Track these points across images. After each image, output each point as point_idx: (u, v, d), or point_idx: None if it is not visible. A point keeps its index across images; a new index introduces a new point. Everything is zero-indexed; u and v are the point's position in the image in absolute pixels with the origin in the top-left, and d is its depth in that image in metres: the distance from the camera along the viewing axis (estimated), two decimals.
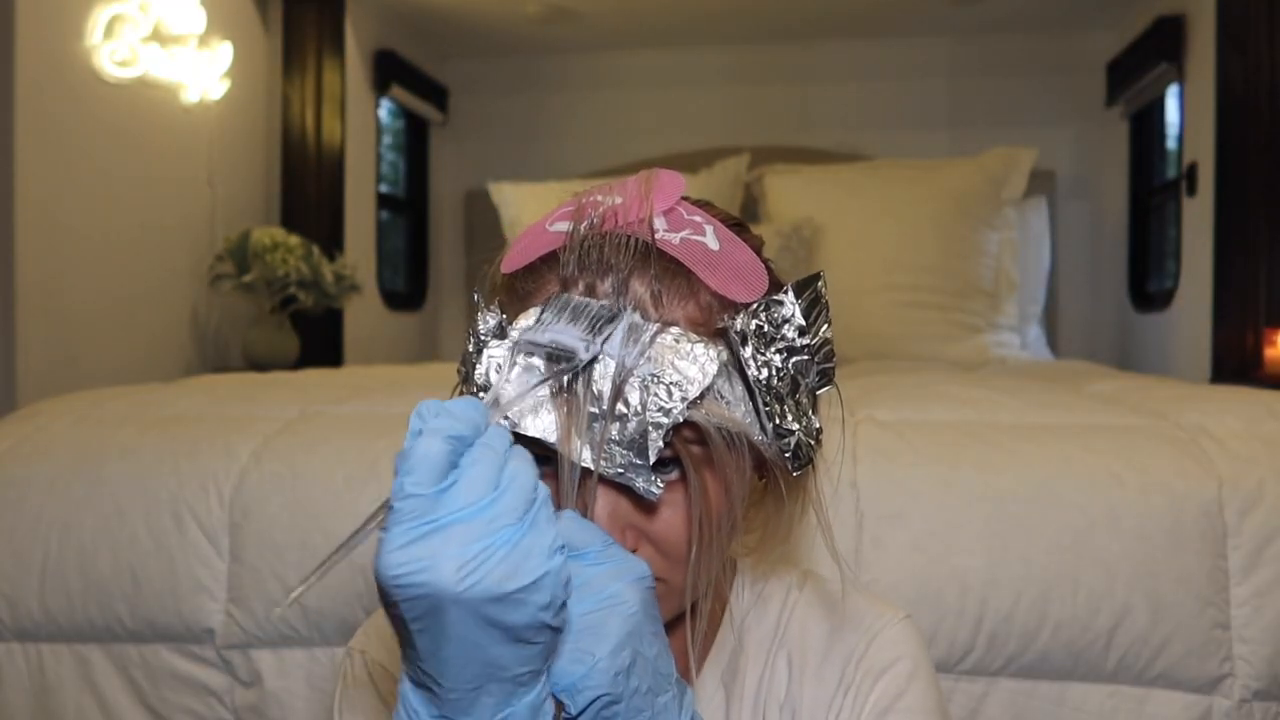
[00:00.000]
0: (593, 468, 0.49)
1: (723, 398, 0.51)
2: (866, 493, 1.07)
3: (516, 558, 0.40)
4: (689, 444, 0.51)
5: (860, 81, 3.59)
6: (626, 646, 0.45)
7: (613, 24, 3.45)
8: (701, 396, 0.50)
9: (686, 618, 0.56)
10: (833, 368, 0.56)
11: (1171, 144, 3.08)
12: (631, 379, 0.49)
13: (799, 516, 0.60)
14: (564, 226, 0.54)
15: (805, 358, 0.53)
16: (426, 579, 0.39)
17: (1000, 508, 1.06)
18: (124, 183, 2.39)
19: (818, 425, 0.55)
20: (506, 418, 0.50)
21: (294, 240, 2.57)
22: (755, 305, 0.53)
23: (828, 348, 0.55)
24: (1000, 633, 1.02)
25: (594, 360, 0.49)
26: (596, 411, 0.49)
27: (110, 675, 1.19)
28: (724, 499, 0.53)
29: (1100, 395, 1.43)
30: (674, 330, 0.50)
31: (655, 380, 0.49)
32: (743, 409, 0.52)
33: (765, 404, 0.52)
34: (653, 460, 0.49)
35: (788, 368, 0.53)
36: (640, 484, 0.49)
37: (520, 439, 0.52)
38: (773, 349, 0.52)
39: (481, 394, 0.51)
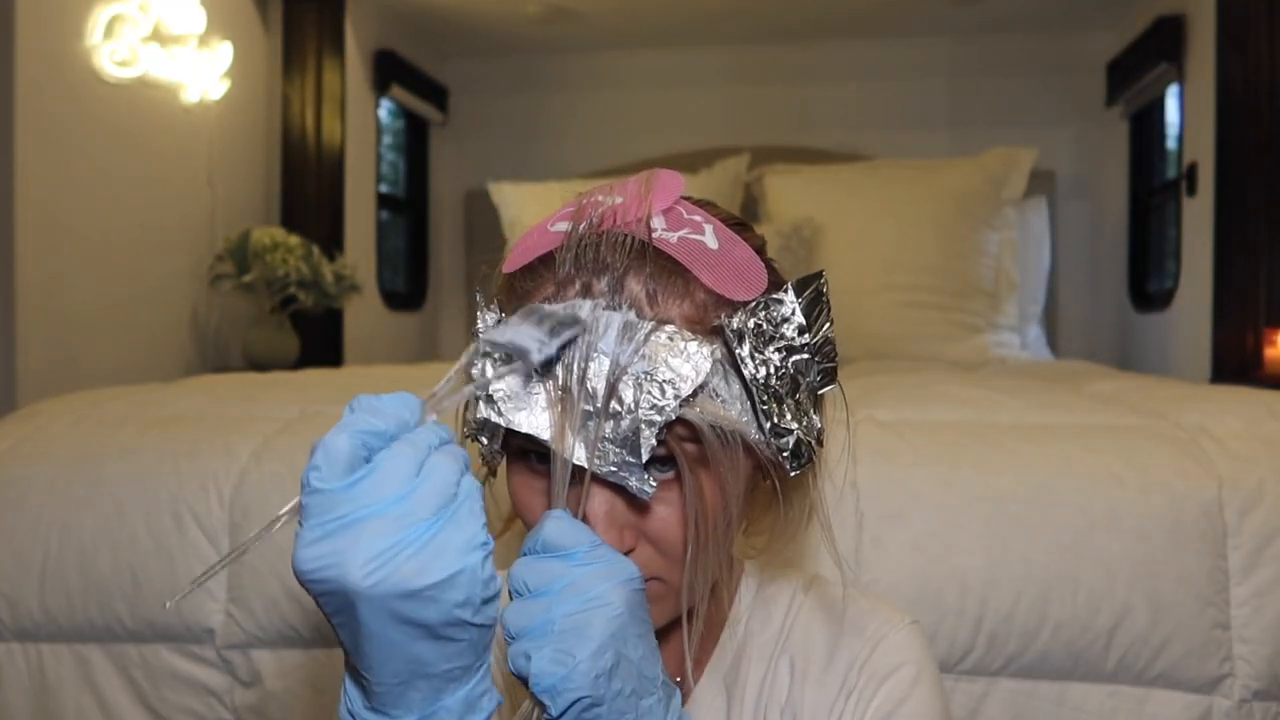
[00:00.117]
0: (586, 465, 0.49)
1: (718, 396, 0.51)
2: (866, 493, 1.07)
3: (428, 554, 0.40)
4: (683, 442, 0.51)
5: (860, 81, 3.59)
6: (609, 648, 0.45)
7: (613, 24, 3.45)
8: (695, 394, 0.50)
9: (683, 618, 0.56)
10: (835, 367, 0.56)
11: (1171, 144, 3.08)
12: (625, 377, 0.49)
13: (803, 519, 0.60)
14: (565, 227, 0.54)
15: (805, 356, 0.53)
16: (335, 575, 0.39)
17: (1000, 508, 1.06)
18: (124, 183, 2.39)
19: (819, 425, 0.55)
20: (500, 414, 0.50)
21: (294, 240, 2.57)
22: (753, 304, 0.52)
23: (829, 346, 0.55)
24: (1000, 633, 1.02)
25: (553, 361, 0.49)
26: (591, 409, 0.49)
27: (110, 675, 1.19)
28: (719, 498, 0.53)
29: (1100, 395, 1.43)
30: (668, 328, 0.50)
31: (649, 378, 0.49)
32: (739, 407, 0.52)
33: (763, 402, 0.52)
34: (645, 458, 0.49)
35: (787, 366, 0.53)
36: (634, 483, 0.49)
37: (515, 436, 0.52)
38: (771, 348, 0.52)
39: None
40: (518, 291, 0.55)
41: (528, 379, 0.50)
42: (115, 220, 2.36)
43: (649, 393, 0.49)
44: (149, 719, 1.18)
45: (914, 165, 2.96)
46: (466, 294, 3.84)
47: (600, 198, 0.55)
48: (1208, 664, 1.01)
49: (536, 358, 0.48)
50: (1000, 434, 1.15)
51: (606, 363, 0.49)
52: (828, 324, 0.54)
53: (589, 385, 0.49)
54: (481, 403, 0.51)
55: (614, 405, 0.49)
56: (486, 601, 0.42)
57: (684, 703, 0.65)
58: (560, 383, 0.49)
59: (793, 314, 0.53)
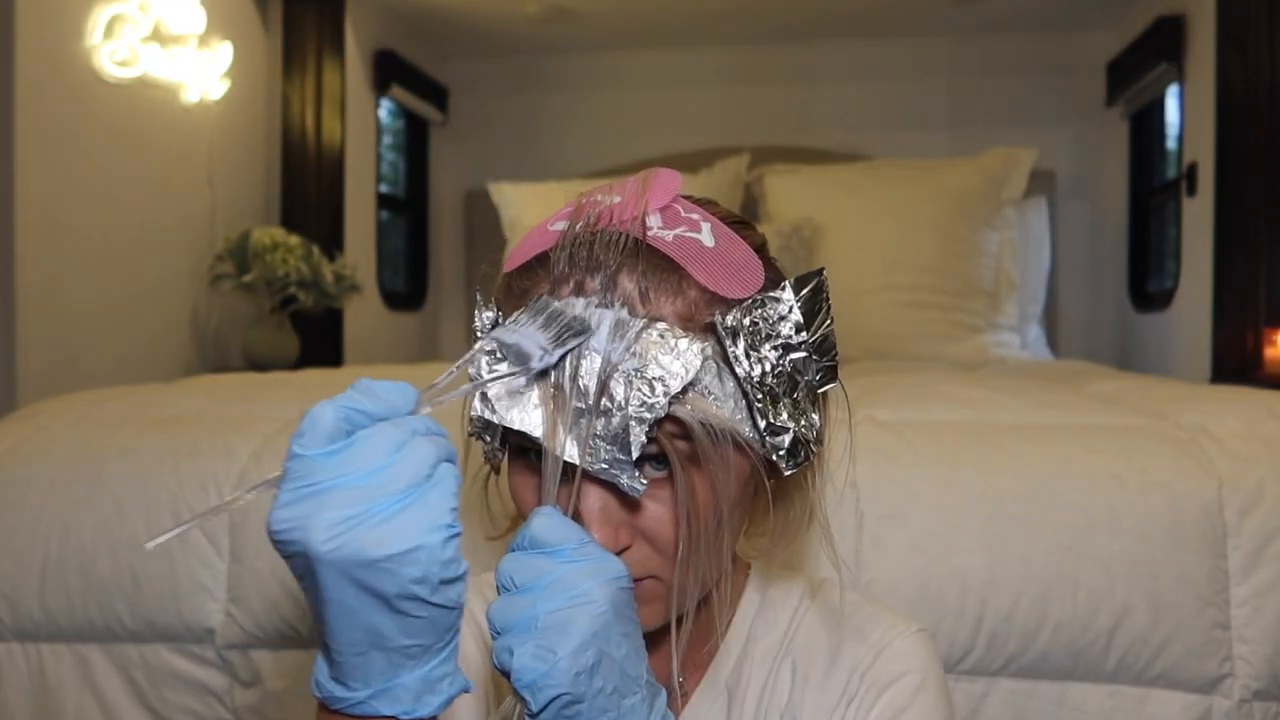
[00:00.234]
0: (578, 463, 0.49)
1: (710, 394, 0.51)
2: (866, 493, 1.07)
3: (389, 528, 0.40)
4: (675, 440, 0.51)
5: (860, 81, 3.59)
6: (591, 646, 0.45)
7: (613, 24, 3.45)
8: (686, 391, 0.50)
9: (672, 619, 0.56)
10: (836, 365, 0.55)
11: (1171, 144, 3.08)
12: (616, 374, 0.49)
13: (804, 521, 0.60)
14: (563, 226, 0.54)
15: (803, 355, 0.53)
16: (299, 537, 0.40)
17: (1000, 508, 1.05)
18: (124, 183, 2.39)
19: (819, 424, 0.55)
20: (493, 410, 0.51)
21: (294, 240, 2.57)
22: (748, 301, 0.52)
23: (829, 345, 0.55)
24: (1000, 633, 1.02)
25: (556, 364, 0.49)
26: (583, 407, 0.49)
27: (110, 675, 1.19)
28: (711, 496, 0.53)
29: (1100, 395, 1.43)
30: (660, 325, 0.50)
31: (639, 375, 0.49)
32: (731, 405, 0.52)
33: (758, 400, 0.52)
34: (635, 455, 0.49)
35: (784, 364, 0.52)
36: (624, 480, 0.49)
37: (513, 433, 0.52)
38: (767, 345, 0.52)
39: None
40: (515, 290, 0.56)
41: (525, 383, 0.51)
42: (115, 220, 2.36)
43: (639, 390, 0.49)
44: (149, 719, 1.18)
45: (914, 165, 2.96)
46: (466, 294, 3.85)
47: (600, 197, 0.55)
48: (1208, 664, 1.01)
49: (536, 365, 0.49)
50: (1000, 434, 1.15)
51: (598, 360, 0.49)
52: (828, 322, 0.54)
53: (581, 382, 0.49)
54: (477, 400, 0.52)
55: (605, 402, 0.49)
56: (446, 583, 0.42)
57: (682, 704, 0.65)
58: (553, 380, 0.50)
59: (790, 312, 0.53)
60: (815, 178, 2.96)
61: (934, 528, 1.05)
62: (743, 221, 0.59)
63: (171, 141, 2.57)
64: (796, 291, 0.53)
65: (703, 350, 0.50)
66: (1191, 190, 2.69)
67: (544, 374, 0.50)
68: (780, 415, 0.52)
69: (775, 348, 0.52)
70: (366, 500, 0.40)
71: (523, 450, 0.55)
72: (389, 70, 3.36)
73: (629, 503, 0.53)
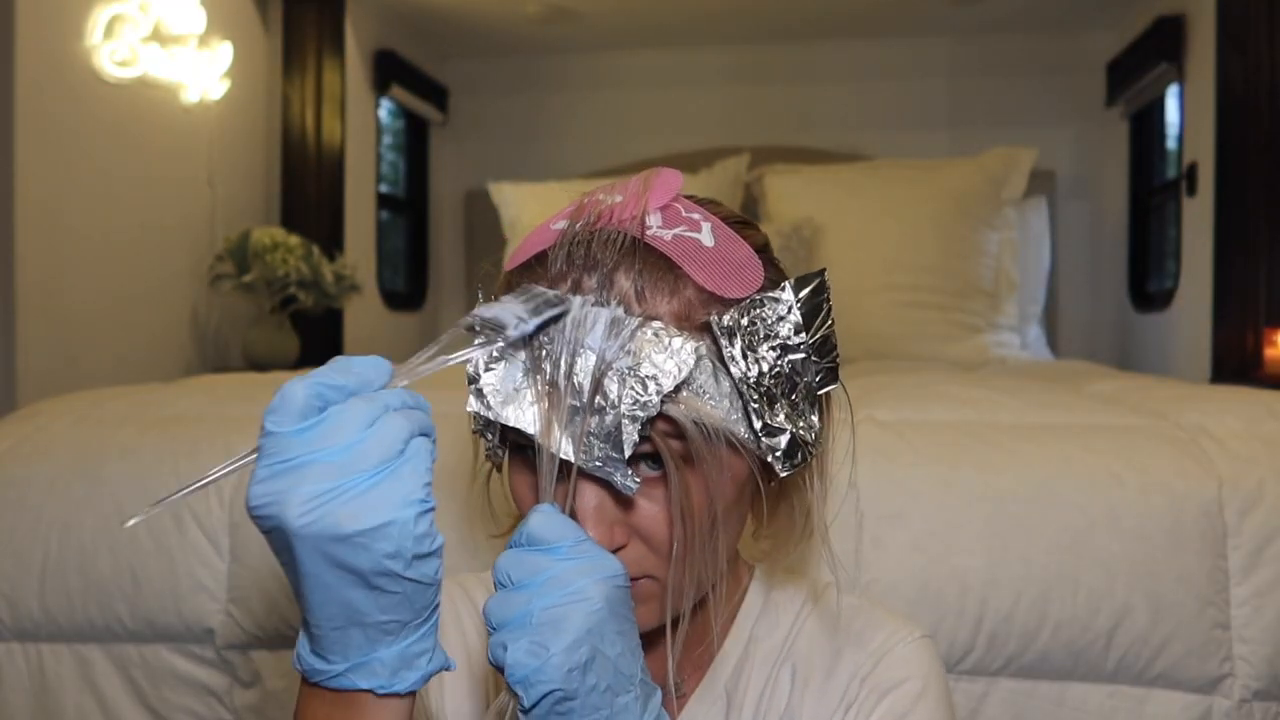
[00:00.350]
0: (573, 460, 0.49)
1: (705, 393, 0.51)
2: (866, 493, 1.07)
3: (362, 503, 0.41)
4: (668, 439, 0.51)
5: (860, 81, 3.59)
6: (585, 643, 0.45)
7: (613, 24, 3.45)
8: (680, 390, 0.50)
9: (667, 619, 0.56)
10: (837, 366, 0.55)
11: (1171, 144, 3.08)
12: (610, 372, 0.49)
13: (804, 524, 0.60)
14: (564, 225, 0.54)
15: (802, 356, 0.53)
16: (274, 512, 0.41)
17: (1000, 508, 1.05)
18: (124, 183, 2.39)
19: (819, 425, 0.55)
20: (489, 408, 0.51)
21: (294, 240, 2.57)
22: (746, 301, 0.52)
23: (830, 346, 0.55)
24: (1000, 633, 1.02)
25: (532, 341, 0.50)
26: (577, 404, 0.49)
27: (110, 675, 1.19)
28: (705, 496, 0.53)
29: (1100, 395, 1.43)
30: (655, 324, 0.50)
31: (633, 373, 0.49)
32: (726, 405, 0.52)
33: (754, 401, 0.52)
34: (628, 453, 0.49)
35: (782, 365, 0.52)
36: (618, 478, 0.50)
37: (508, 431, 0.52)
38: (765, 346, 0.52)
39: (472, 384, 0.52)
40: (514, 288, 0.56)
41: (501, 356, 0.51)
42: (115, 220, 2.36)
43: (632, 388, 0.49)
44: (149, 719, 1.18)
45: (914, 165, 2.96)
46: (467, 294, 3.85)
47: (601, 196, 0.55)
48: (1208, 664, 1.01)
49: (512, 334, 0.49)
50: (1000, 434, 1.15)
51: (593, 358, 0.49)
52: (829, 323, 0.54)
53: (575, 380, 0.49)
54: (472, 396, 0.52)
55: (599, 400, 0.49)
56: (420, 558, 0.42)
57: (680, 706, 0.64)
58: (547, 377, 0.50)
59: (789, 312, 0.52)
60: (815, 178, 2.96)
61: (934, 528, 1.05)
62: (745, 221, 0.59)
63: (171, 141, 2.57)
64: (796, 292, 0.53)
65: (697, 349, 0.50)
66: (1191, 190, 2.69)
67: (539, 372, 0.50)
68: (777, 416, 0.52)
69: (773, 348, 0.52)
70: (339, 476, 0.41)
71: (521, 448, 0.55)
72: (389, 70, 3.36)
73: (624, 501, 0.53)
